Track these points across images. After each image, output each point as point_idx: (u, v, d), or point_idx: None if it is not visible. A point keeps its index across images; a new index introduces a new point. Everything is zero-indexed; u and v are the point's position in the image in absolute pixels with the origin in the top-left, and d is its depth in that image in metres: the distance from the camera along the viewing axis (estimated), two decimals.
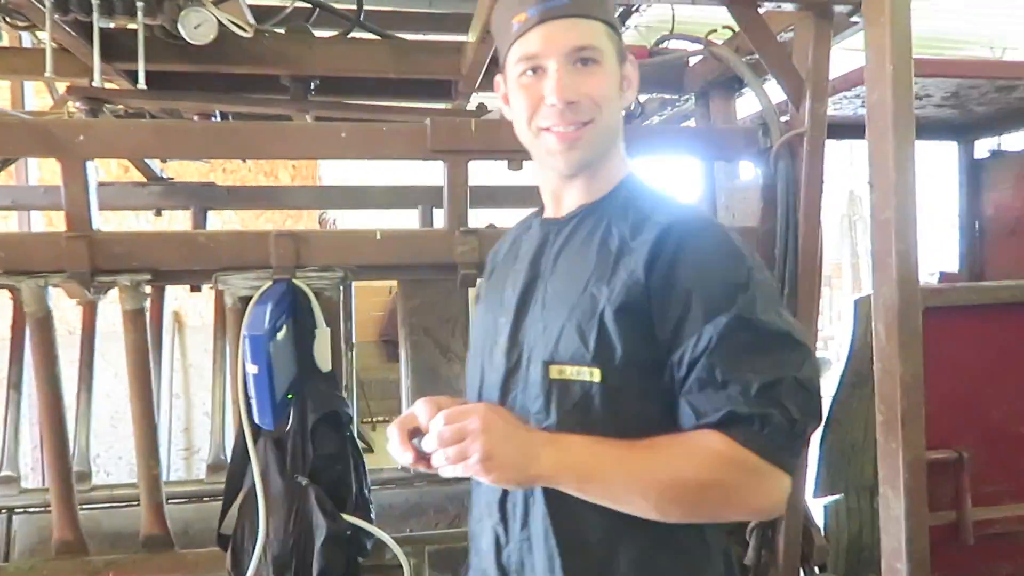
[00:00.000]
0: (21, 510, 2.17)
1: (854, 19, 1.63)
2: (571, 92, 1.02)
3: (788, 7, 1.62)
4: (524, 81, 1.06)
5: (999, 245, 3.00)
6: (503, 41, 1.11)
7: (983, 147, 3.04)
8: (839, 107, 2.39)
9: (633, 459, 0.96)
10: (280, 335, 1.56)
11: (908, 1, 1.46)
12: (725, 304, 0.95)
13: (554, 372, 1.03)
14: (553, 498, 1.01)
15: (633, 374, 0.99)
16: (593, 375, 1.00)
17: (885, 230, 1.48)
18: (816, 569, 1.84)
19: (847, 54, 2.00)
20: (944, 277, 3.19)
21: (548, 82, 1.03)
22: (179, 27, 1.52)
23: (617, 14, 1.27)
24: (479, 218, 1.85)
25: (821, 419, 0.97)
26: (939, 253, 3.45)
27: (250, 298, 1.61)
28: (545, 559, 1.04)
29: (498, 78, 1.17)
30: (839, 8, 1.60)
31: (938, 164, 3.28)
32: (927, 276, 3.18)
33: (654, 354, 0.99)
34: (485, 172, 2.05)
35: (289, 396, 1.61)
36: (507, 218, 2.13)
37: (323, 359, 1.67)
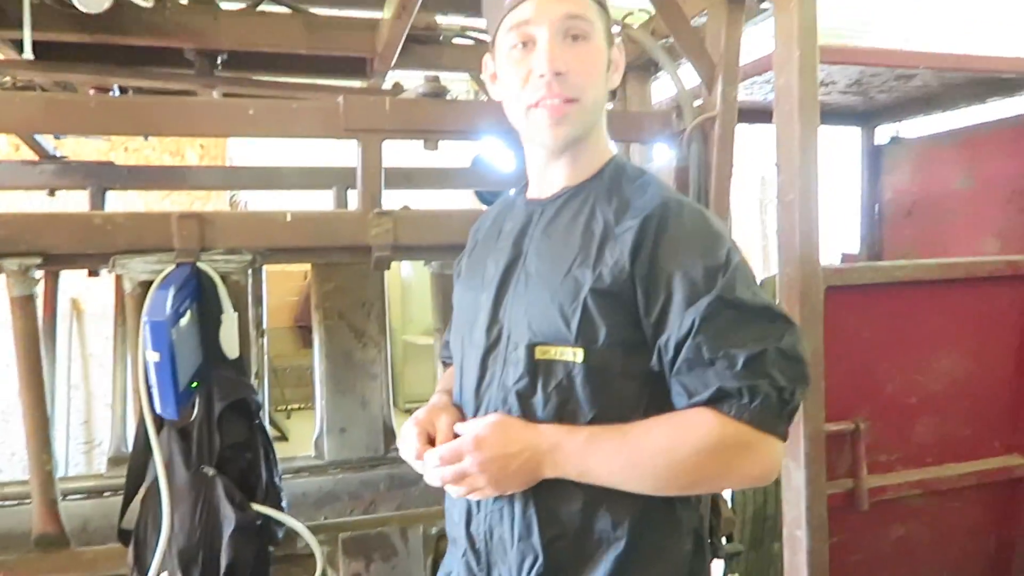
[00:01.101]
0: None
1: (764, 5, 1.67)
2: (560, 63, 1.04)
3: None
4: (514, 55, 1.08)
5: (897, 227, 3.16)
6: (493, 16, 1.13)
7: (884, 133, 3.19)
8: (751, 92, 2.45)
9: (630, 446, 0.99)
10: (184, 321, 1.49)
11: None
12: (706, 286, 0.98)
13: (539, 352, 1.05)
14: None
15: (616, 354, 1.02)
16: (576, 355, 1.03)
17: (789, 211, 1.53)
18: (724, 540, 1.91)
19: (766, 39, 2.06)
20: (845, 258, 3.33)
21: (538, 52, 1.05)
22: None
23: None
24: (395, 200, 1.82)
25: (808, 383, 1.01)
26: (842, 235, 3.60)
27: (151, 283, 1.53)
28: (521, 528, 1.06)
29: (486, 57, 1.19)
30: None
31: (843, 149, 3.41)
32: (831, 257, 3.31)
33: (638, 336, 1.02)
34: (400, 153, 2.01)
35: (194, 385, 1.55)
36: (423, 200, 2.10)
37: (230, 346, 1.60)
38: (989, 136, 2.74)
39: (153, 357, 1.42)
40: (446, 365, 1.46)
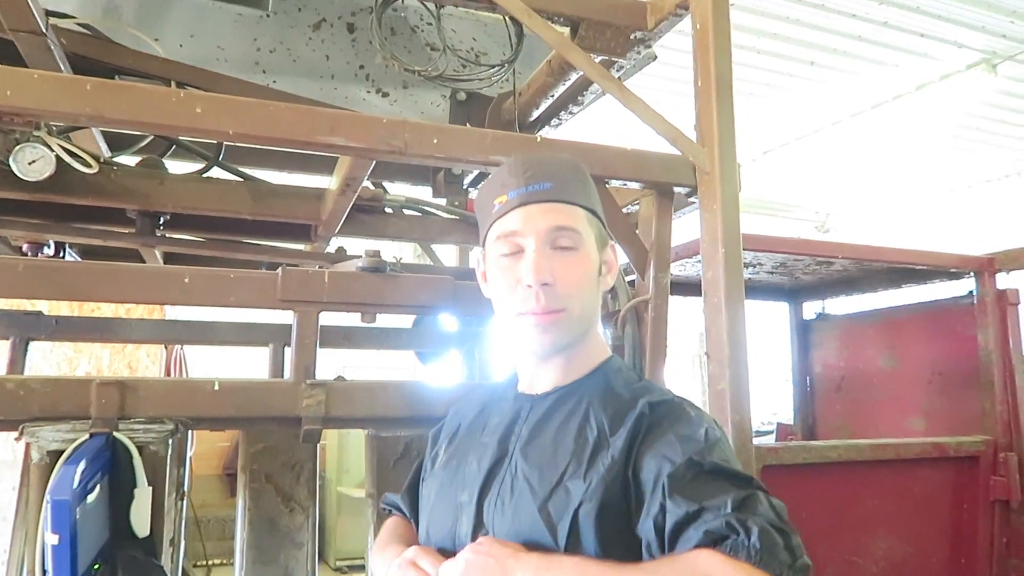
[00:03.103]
0: None
1: (692, 199, 1.77)
2: (546, 273, 1.05)
3: (634, 186, 1.74)
4: (503, 263, 1.10)
5: (828, 400, 3.24)
6: (484, 220, 1.15)
7: (810, 309, 3.33)
8: (683, 268, 2.56)
9: None
10: (91, 497, 1.40)
11: (736, 190, 1.60)
12: (682, 460, 0.95)
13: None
14: None
15: (611, 558, 0.96)
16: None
17: (721, 400, 1.55)
18: None
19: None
20: (780, 429, 3.38)
21: (524, 263, 1.06)
22: (11, 163, 1.43)
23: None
24: (333, 361, 1.79)
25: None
26: (778, 403, 3.67)
27: (62, 452, 1.45)
28: None
29: (477, 253, 1.21)
30: (679, 189, 1.73)
31: (774, 322, 3.54)
32: (764, 422, 3.34)
33: (633, 540, 0.97)
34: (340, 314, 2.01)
35: (96, 567, 1.43)
36: (361, 360, 2.08)
37: (141, 523, 1.51)
38: (909, 319, 2.88)
39: (52, 540, 1.31)
40: (389, 514, 1.40)
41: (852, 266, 2.60)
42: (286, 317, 1.87)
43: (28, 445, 1.52)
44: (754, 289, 3.07)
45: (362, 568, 5.85)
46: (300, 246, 2.37)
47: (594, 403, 1.08)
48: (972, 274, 2.55)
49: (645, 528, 0.96)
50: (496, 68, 1.98)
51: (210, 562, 6.46)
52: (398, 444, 1.92)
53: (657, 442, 1.00)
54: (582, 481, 0.99)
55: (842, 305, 3.24)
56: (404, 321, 2.77)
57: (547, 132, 2.45)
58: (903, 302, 2.91)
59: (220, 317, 2.65)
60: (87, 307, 3.87)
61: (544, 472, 1.03)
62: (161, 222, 2.03)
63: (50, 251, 2.08)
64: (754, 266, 2.59)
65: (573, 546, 0.97)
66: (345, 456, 6.99)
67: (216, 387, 1.59)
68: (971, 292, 2.59)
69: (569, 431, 1.06)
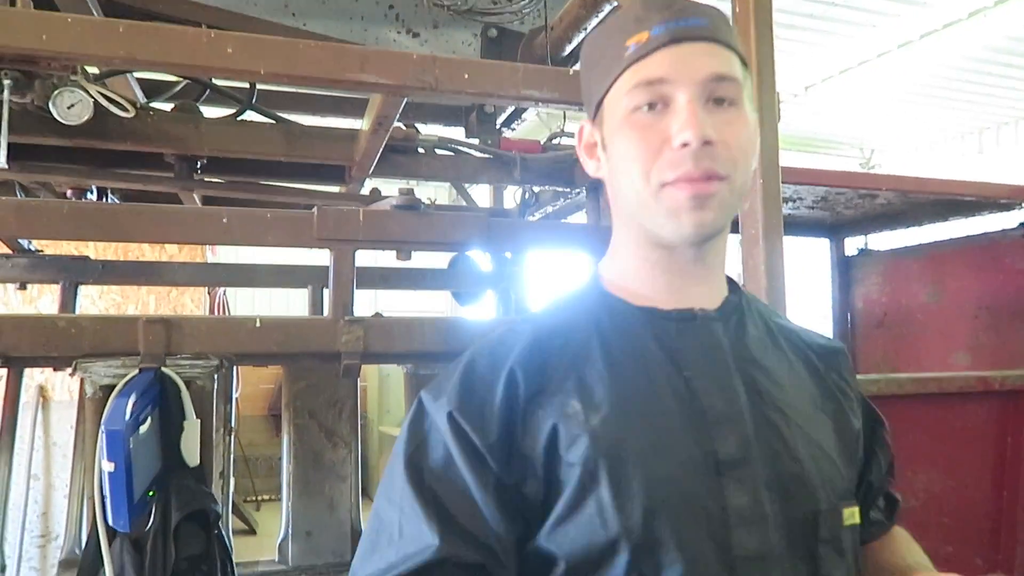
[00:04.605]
0: None
1: None
2: (709, 129, 0.79)
3: None
4: (641, 120, 0.82)
5: (869, 337, 3.20)
6: (604, 72, 0.86)
7: (852, 245, 3.27)
8: None
9: None
10: (143, 428, 1.46)
11: (775, 119, 1.57)
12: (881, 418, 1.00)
13: (847, 516, 0.80)
14: None
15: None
16: (854, 515, 0.82)
17: None
18: None
19: None
20: None
21: (678, 117, 0.79)
22: (51, 107, 1.45)
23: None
24: (370, 303, 1.82)
25: None
26: None
27: (114, 387, 1.51)
28: None
29: (584, 125, 0.94)
30: None
31: (814, 258, 3.49)
32: None
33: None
34: (376, 253, 2.03)
35: (151, 493, 1.50)
36: (396, 303, 2.11)
37: (191, 453, 1.57)
38: (954, 253, 2.81)
39: (108, 467, 1.38)
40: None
41: (896, 199, 2.54)
42: (323, 259, 1.91)
43: (82, 380, 1.59)
44: (794, 225, 3.01)
45: None
46: (334, 189, 2.38)
47: (781, 335, 0.89)
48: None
49: (866, 484, 0.94)
50: (527, 1, 1.94)
51: (259, 497, 6.74)
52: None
53: (860, 394, 0.96)
54: (847, 409, 0.89)
55: (885, 240, 3.17)
56: (440, 263, 2.79)
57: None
58: (949, 236, 2.84)
59: (260, 261, 2.70)
60: (131, 254, 3.98)
61: (802, 401, 0.85)
62: (199, 166, 2.05)
63: (93, 197, 2.13)
64: (794, 201, 2.54)
65: (855, 486, 0.89)
66: (385, 397, 7.16)
67: (257, 324, 1.63)
68: (1022, 224, 2.53)
69: (784, 355, 0.88)
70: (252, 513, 6.22)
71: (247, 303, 7.05)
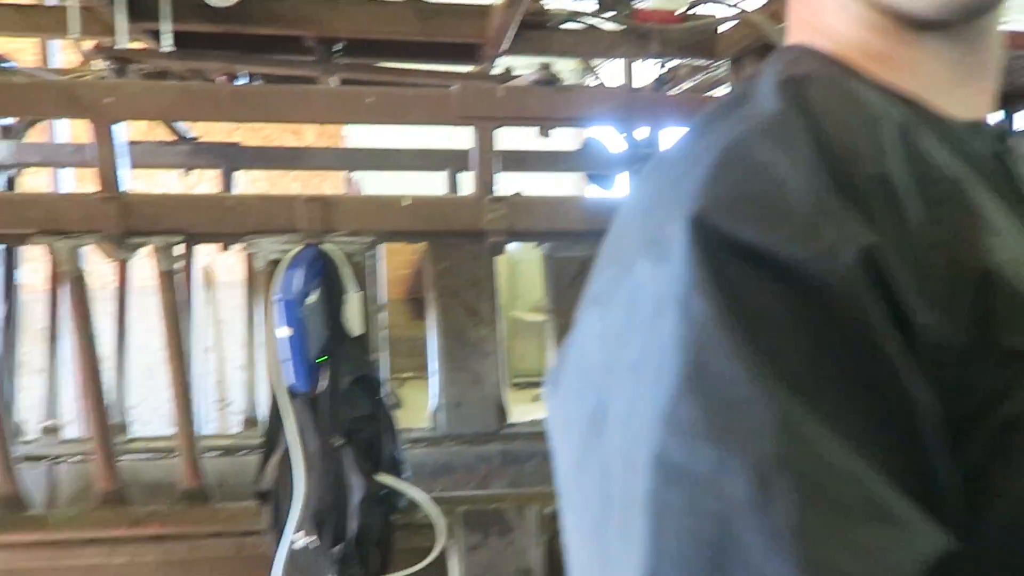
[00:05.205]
0: (63, 459, 2.24)
1: None
2: None
3: None
4: None
5: None
6: None
7: None
8: None
9: None
10: (311, 299, 1.58)
11: None
12: None
13: None
14: None
15: None
16: None
17: None
18: None
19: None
20: None
21: None
22: None
23: None
24: (508, 183, 1.85)
25: None
26: None
27: (278, 261, 1.64)
28: None
29: None
30: None
31: None
32: None
33: None
34: (509, 136, 2.05)
35: (322, 359, 1.65)
36: (529, 182, 2.12)
37: (354, 323, 1.69)
38: None
39: (285, 332, 1.52)
40: None
41: None
42: (459, 141, 1.93)
43: (250, 256, 1.73)
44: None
45: (536, 385, 6.27)
46: (467, 69, 2.38)
47: None
48: None
49: None
50: None
51: (403, 375, 7.18)
52: (572, 264, 1.99)
53: None
54: None
55: None
56: (573, 144, 2.77)
57: None
58: None
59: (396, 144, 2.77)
60: (274, 144, 4.17)
61: None
62: (336, 50, 2.11)
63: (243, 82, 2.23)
64: None
65: None
66: (516, 283, 7.34)
67: (406, 203, 1.70)
68: None
69: None
70: (397, 389, 6.67)
71: (383, 191, 7.29)
